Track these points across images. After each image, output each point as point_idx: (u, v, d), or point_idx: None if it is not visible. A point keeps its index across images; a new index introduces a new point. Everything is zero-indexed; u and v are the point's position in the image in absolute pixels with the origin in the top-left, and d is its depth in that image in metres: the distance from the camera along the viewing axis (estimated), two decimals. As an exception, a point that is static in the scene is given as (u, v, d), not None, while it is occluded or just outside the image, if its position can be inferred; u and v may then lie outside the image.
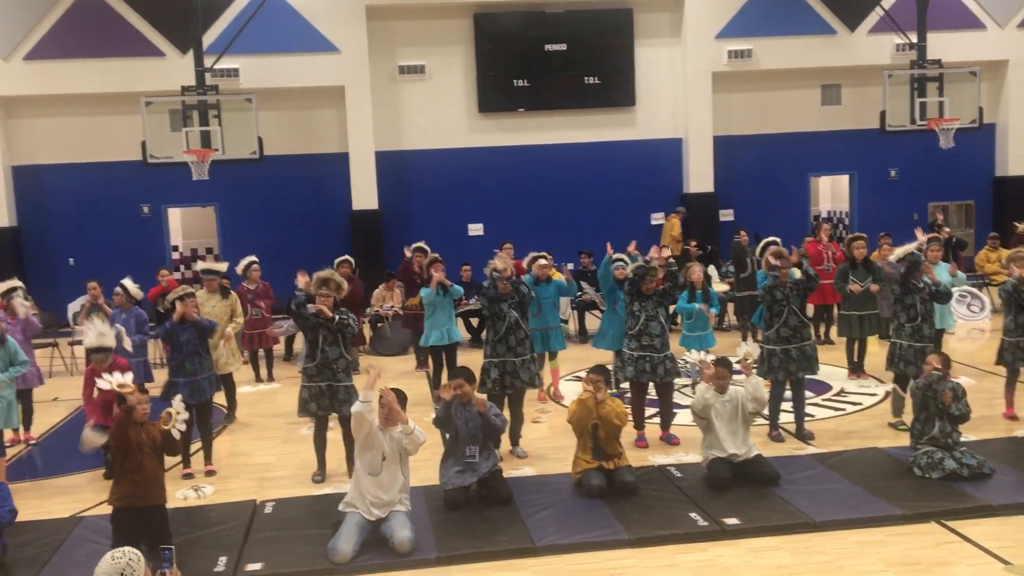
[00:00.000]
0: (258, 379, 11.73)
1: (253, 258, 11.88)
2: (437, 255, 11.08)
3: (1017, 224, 14.46)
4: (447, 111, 17.36)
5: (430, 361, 10.41)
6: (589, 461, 7.06)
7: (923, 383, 7.13)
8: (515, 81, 17.28)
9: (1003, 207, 18.12)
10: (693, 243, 14.91)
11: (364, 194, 16.88)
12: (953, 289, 10.88)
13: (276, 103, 16.64)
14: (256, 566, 5.90)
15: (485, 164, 17.45)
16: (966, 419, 7.22)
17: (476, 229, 17.58)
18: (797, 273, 8.45)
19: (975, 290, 12.97)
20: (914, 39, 16.13)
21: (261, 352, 11.74)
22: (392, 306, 13.15)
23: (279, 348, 12.46)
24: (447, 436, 7.18)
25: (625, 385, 9.24)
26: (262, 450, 8.79)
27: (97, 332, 7.65)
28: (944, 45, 16.42)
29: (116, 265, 13.30)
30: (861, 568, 5.66)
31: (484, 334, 8.51)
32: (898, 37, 16.85)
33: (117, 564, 3.82)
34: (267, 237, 16.47)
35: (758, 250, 11.97)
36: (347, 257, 12.73)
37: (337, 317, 7.54)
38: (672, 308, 9.96)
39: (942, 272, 10.03)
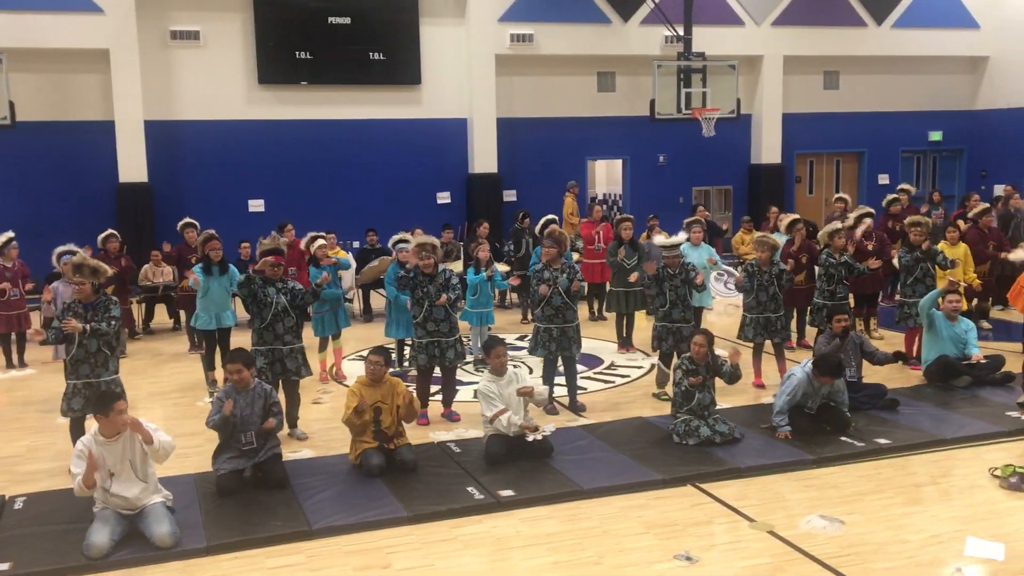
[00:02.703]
0: (10, 364, 10.80)
1: (11, 234, 10.92)
2: (212, 231, 10.54)
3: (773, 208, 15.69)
4: (224, 81, 16.61)
5: (203, 343, 9.98)
6: (369, 441, 7.05)
7: (685, 383, 7.66)
8: (297, 53, 16.80)
9: (757, 192, 19.71)
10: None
11: (132, 166, 15.86)
12: (712, 272, 11.79)
13: (31, 64, 15.28)
14: (3, 566, 5.46)
15: (266, 138, 16.88)
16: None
17: (257, 205, 17.00)
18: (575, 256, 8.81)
19: (731, 269, 14.04)
20: (681, 32, 17.13)
21: (14, 336, 10.81)
22: (160, 281, 12.50)
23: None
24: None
25: (407, 364, 9.29)
26: (13, 441, 8.11)
27: None
28: (708, 39, 17.53)
29: None
30: (624, 531, 6.02)
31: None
32: (667, 29, 17.83)
33: None
34: (21, 210, 15.06)
35: (538, 228, 12.39)
36: (113, 231, 11.95)
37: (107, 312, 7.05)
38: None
39: (702, 255, 10.79)
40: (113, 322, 7.08)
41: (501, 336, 8.87)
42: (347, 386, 9.20)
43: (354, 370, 10.00)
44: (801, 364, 7.91)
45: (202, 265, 9.59)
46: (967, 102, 21.18)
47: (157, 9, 16.08)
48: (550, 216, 12.52)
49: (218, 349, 9.62)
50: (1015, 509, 6.26)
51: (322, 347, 10.03)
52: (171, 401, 9.36)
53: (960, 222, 12.08)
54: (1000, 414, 8.16)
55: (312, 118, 17.09)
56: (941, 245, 10.70)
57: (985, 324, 11.66)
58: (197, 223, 11.81)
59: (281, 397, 7.84)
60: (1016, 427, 7.86)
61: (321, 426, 8.33)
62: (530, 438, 7.18)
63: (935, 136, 21.19)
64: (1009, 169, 19.85)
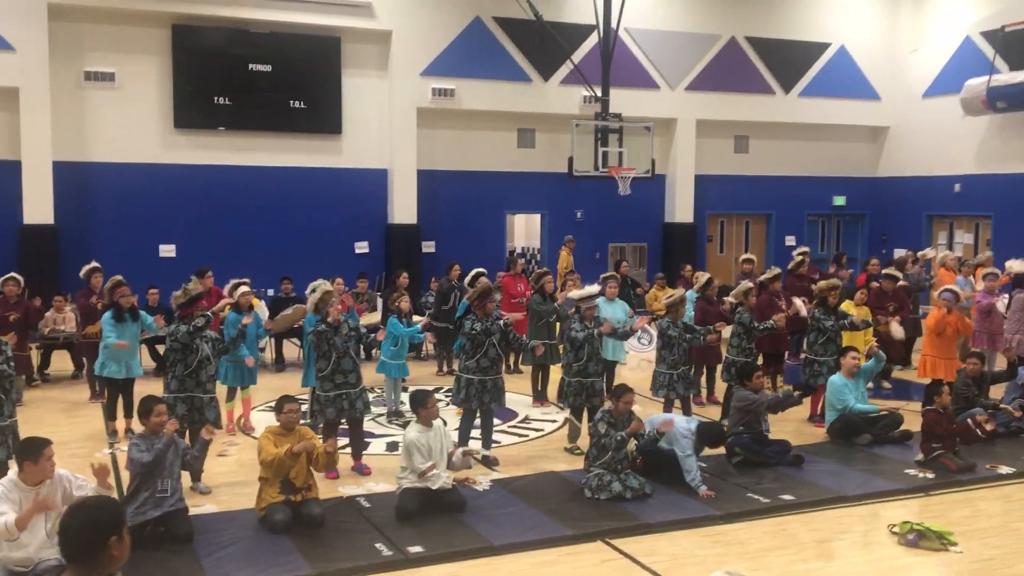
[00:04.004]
0: None
1: None
2: (120, 277, 10.23)
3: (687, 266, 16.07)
4: (139, 123, 16.31)
5: (106, 392, 9.66)
6: (275, 496, 6.88)
7: (617, 438, 7.71)
8: (216, 98, 16.63)
9: (670, 250, 20.18)
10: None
11: (37, 207, 15.36)
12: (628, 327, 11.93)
13: (-68, 100, 14.78)
14: None
15: (180, 182, 16.58)
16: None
17: (168, 250, 16.61)
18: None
19: (644, 324, 14.26)
20: (599, 93, 17.55)
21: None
22: (64, 329, 12.09)
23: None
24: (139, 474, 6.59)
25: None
26: None
27: None
28: (625, 101, 17.99)
29: None
30: (533, 588, 5.99)
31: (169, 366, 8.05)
32: (585, 90, 18.26)
33: None
34: (-86, 250, 14.48)
35: (467, 281, 12.41)
36: (14, 275, 11.48)
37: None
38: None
39: (618, 310, 10.94)
40: (11, 364, 6.83)
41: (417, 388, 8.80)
42: (254, 438, 8.99)
43: (263, 421, 9.76)
44: (686, 420, 8.22)
45: (112, 313, 9.33)
46: (869, 169, 22.19)
47: (71, 50, 15.76)
48: (479, 269, 12.56)
49: (121, 399, 9.34)
50: (912, 566, 6.45)
51: (230, 396, 9.78)
52: (68, 451, 8.95)
53: (875, 283, 12.55)
54: (899, 472, 8.44)
55: (229, 164, 16.88)
56: (845, 305, 11.09)
57: (886, 384, 12.07)
58: (102, 267, 11.47)
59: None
60: (913, 485, 8.14)
61: (226, 479, 8.10)
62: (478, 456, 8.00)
63: (839, 201, 22.10)
64: (908, 234, 20.78)
